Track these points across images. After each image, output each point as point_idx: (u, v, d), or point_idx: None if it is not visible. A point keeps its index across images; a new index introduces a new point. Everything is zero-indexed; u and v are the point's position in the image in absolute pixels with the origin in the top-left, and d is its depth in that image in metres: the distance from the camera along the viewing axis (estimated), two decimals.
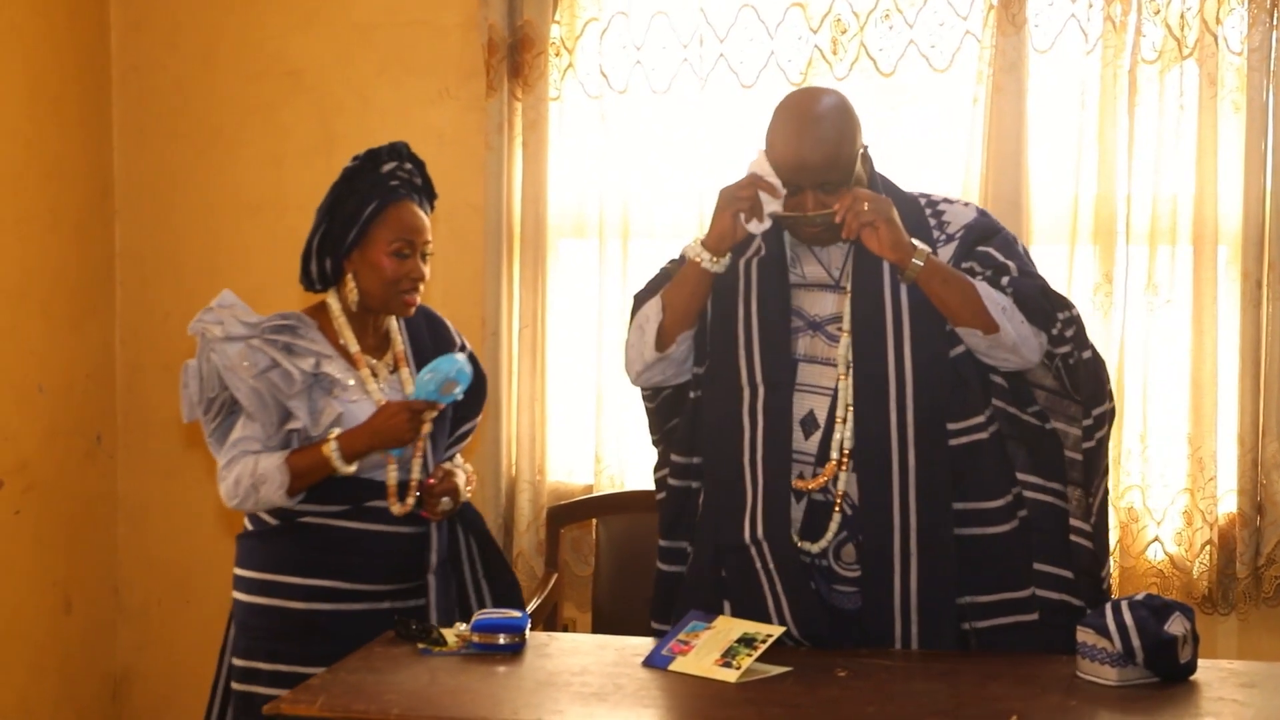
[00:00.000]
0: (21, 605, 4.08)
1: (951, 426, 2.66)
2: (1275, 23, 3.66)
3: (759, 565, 2.66)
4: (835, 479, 2.66)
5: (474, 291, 4.03)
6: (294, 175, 4.26)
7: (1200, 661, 2.44)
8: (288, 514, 2.84)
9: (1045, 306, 2.68)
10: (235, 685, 2.90)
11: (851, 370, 2.66)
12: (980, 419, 2.68)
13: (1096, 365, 2.75)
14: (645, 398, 2.91)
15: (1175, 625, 2.38)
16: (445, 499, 2.85)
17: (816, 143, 2.65)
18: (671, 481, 2.82)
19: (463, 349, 3.03)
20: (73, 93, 4.22)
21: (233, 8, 4.28)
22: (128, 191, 4.36)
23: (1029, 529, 2.69)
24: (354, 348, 2.88)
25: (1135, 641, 2.36)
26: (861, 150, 2.72)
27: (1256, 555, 3.73)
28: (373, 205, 2.84)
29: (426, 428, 2.83)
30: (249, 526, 2.93)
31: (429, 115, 4.14)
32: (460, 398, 2.87)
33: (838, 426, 2.66)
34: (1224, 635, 3.80)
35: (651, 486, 3.33)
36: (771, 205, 2.64)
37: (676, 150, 3.98)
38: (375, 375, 2.89)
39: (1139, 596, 2.44)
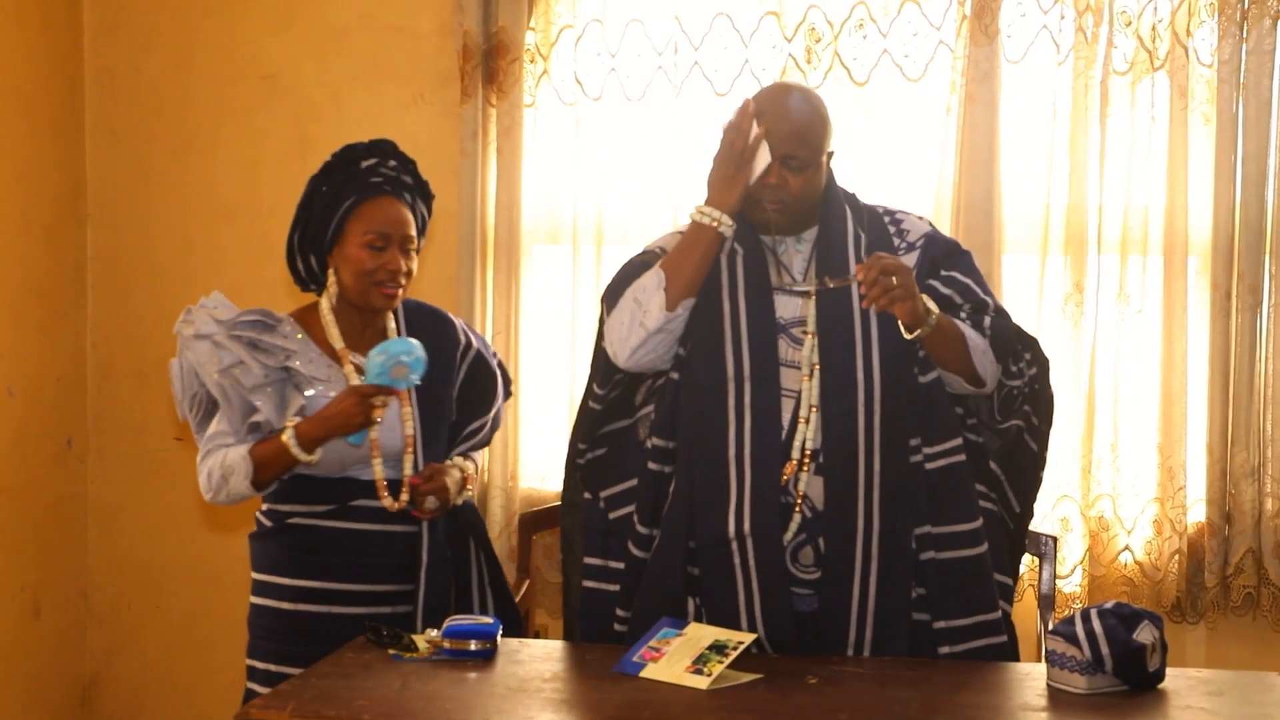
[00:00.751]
0: None
1: (928, 450, 2.69)
2: (1245, 35, 3.69)
3: (738, 561, 2.65)
4: (795, 480, 2.66)
5: (448, 297, 4.02)
6: (269, 179, 4.25)
7: (1169, 670, 2.46)
8: (279, 515, 2.88)
9: (1016, 348, 2.76)
10: (246, 683, 2.95)
11: (817, 372, 2.67)
12: (957, 442, 2.71)
13: (1050, 408, 2.85)
14: (594, 399, 2.86)
15: (1144, 633, 2.39)
16: (430, 498, 2.83)
17: (793, 110, 2.71)
18: (651, 466, 2.77)
19: (468, 350, 3.01)
20: (45, 95, 4.20)
21: (208, 11, 4.27)
22: (100, 194, 4.35)
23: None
24: (338, 344, 2.89)
25: (1104, 650, 2.37)
26: (829, 152, 2.76)
27: (1225, 564, 3.75)
28: (349, 201, 2.86)
29: (379, 413, 2.77)
30: (255, 528, 2.97)
31: (404, 121, 4.14)
32: (416, 382, 2.81)
33: (800, 427, 2.67)
34: (1193, 644, 3.82)
35: None
36: (765, 157, 2.68)
37: (651, 157, 3.98)
38: (361, 373, 2.87)
39: (1108, 605, 2.45)
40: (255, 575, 2.94)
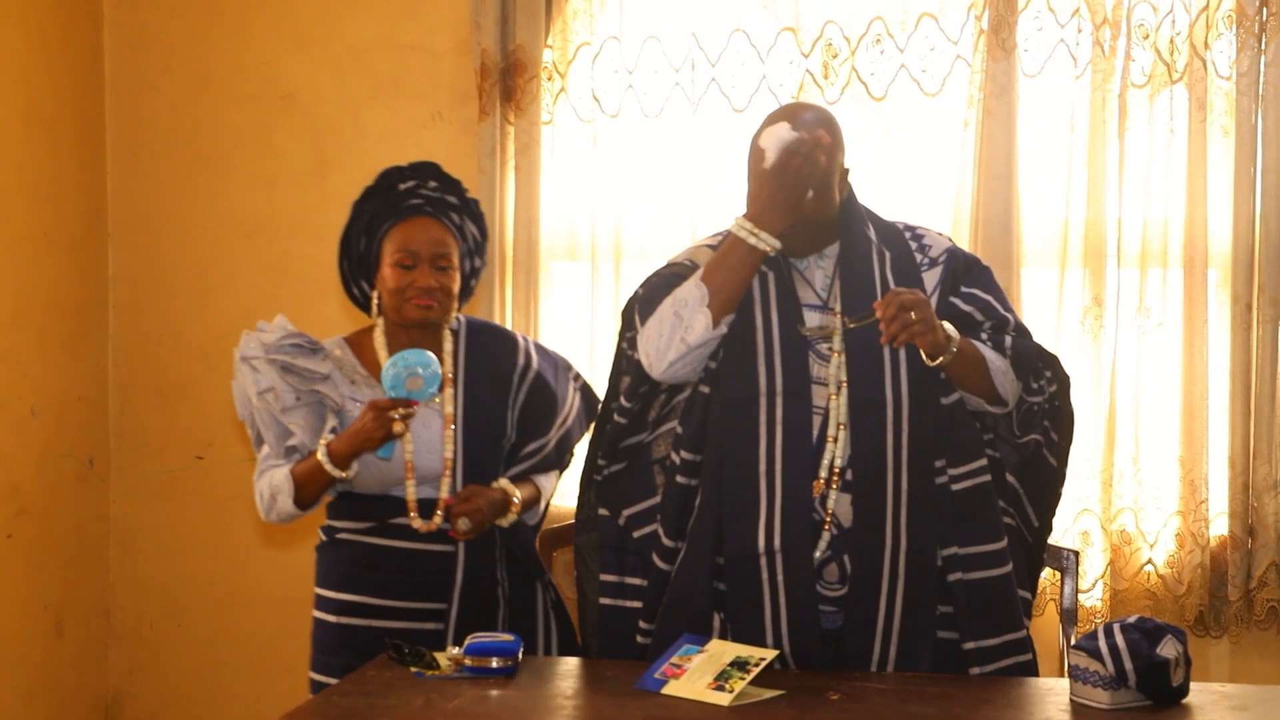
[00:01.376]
0: (13, 629, 4.06)
1: (953, 471, 2.69)
2: (1264, 47, 3.69)
3: (765, 577, 2.65)
4: (824, 498, 2.66)
5: (466, 314, 4.03)
6: (287, 198, 4.27)
7: (1192, 684, 2.45)
8: (331, 530, 2.97)
9: (1037, 366, 2.76)
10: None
11: (845, 390, 2.67)
12: (982, 462, 2.71)
13: (1071, 424, 2.83)
14: (620, 412, 2.85)
15: (1167, 648, 2.38)
16: (463, 520, 2.84)
17: (810, 115, 2.73)
18: (679, 480, 2.77)
19: (527, 370, 2.99)
20: (66, 115, 4.23)
21: (227, 31, 4.30)
22: (121, 214, 4.37)
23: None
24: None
25: (1127, 664, 2.36)
26: (845, 170, 2.76)
27: (1248, 578, 3.74)
28: (386, 224, 2.91)
29: (399, 426, 2.77)
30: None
31: (422, 139, 4.15)
32: (433, 395, 2.82)
33: (828, 446, 2.67)
34: (1216, 658, 3.80)
35: None
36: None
37: (668, 174, 3.99)
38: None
39: (1131, 619, 2.44)
40: (315, 588, 3.01)
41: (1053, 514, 2.88)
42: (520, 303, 4.02)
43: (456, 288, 2.94)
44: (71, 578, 4.28)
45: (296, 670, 4.06)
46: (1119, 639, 2.38)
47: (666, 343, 2.71)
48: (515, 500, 2.92)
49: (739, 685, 2.43)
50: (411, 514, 2.87)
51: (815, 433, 2.68)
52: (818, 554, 2.66)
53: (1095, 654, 2.39)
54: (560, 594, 3.07)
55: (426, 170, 2.96)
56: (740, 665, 2.48)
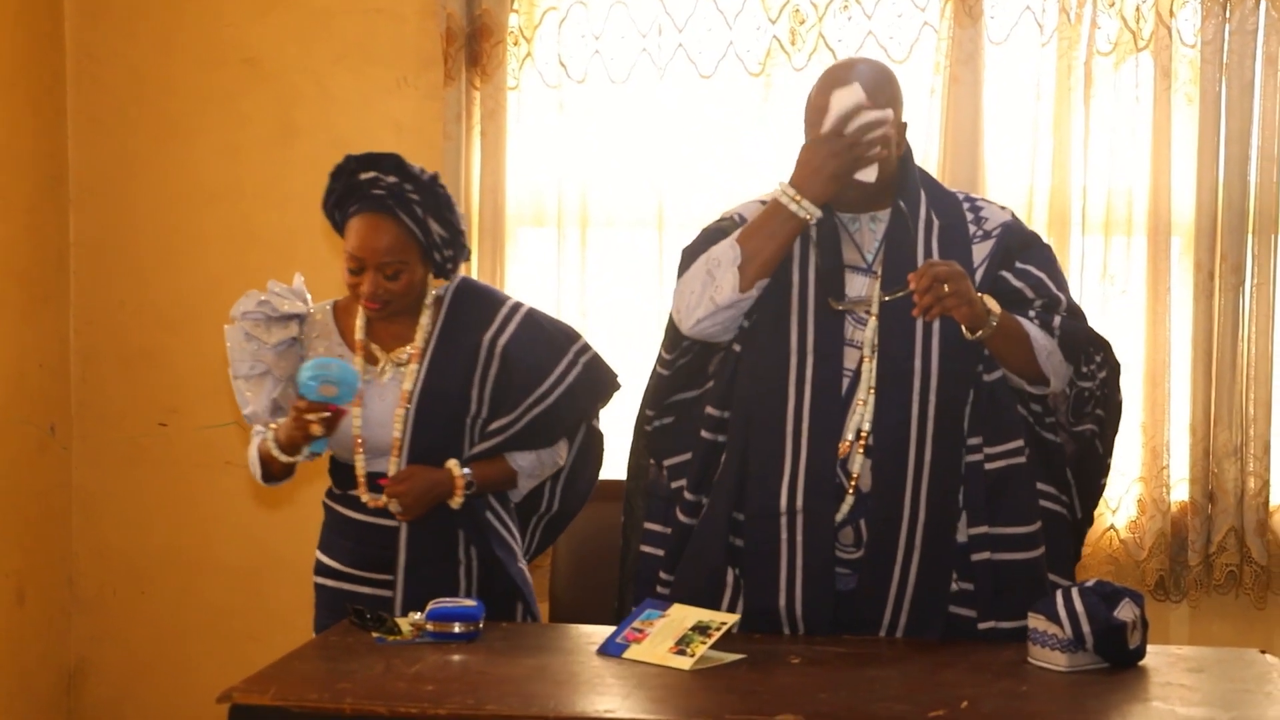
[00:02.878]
0: None
1: (989, 450, 2.66)
2: (1228, 16, 3.70)
3: (785, 536, 2.64)
4: (849, 459, 2.64)
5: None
6: (252, 164, 4.23)
7: (1149, 647, 2.47)
8: (329, 492, 2.97)
9: (1087, 349, 2.70)
10: None
11: (877, 354, 2.64)
12: (1019, 443, 2.67)
13: (1118, 414, 2.79)
14: (662, 364, 2.81)
15: (1125, 611, 2.40)
16: (393, 501, 2.80)
17: (860, 71, 2.65)
18: (705, 435, 2.75)
19: (496, 341, 2.87)
20: (26, 80, 4.18)
21: None
22: (82, 180, 4.33)
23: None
24: (359, 335, 2.89)
25: (1085, 627, 2.38)
26: (903, 125, 2.70)
27: (1208, 543, 3.77)
28: (349, 209, 2.82)
29: (316, 429, 2.71)
30: None
31: (387, 104, 4.13)
32: (350, 401, 2.74)
33: (857, 408, 2.64)
34: (1176, 622, 3.84)
35: (612, 475, 3.33)
36: (872, 172, 2.59)
37: (635, 140, 3.98)
38: (377, 365, 2.87)
39: (1089, 583, 2.46)
40: None
41: (1095, 505, 2.85)
42: (487, 269, 4.01)
43: (412, 286, 2.83)
44: (33, 546, 4.25)
45: (261, 638, 4.08)
46: (1077, 602, 2.39)
47: (696, 300, 2.67)
48: (460, 482, 2.83)
49: (700, 649, 2.43)
50: (361, 490, 2.86)
51: (846, 391, 2.65)
52: (840, 517, 2.64)
53: (1053, 617, 2.40)
54: (530, 593, 2.99)
55: (386, 163, 2.79)
56: (701, 630, 2.48)
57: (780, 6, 3.88)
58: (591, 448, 3.07)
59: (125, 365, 4.34)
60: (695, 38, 3.93)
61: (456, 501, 2.84)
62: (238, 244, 4.24)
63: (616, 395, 3.05)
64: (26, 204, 4.19)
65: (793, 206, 2.61)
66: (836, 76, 2.68)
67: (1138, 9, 3.74)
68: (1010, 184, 3.83)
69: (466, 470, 2.85)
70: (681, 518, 2.77)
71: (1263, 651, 2.54)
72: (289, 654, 2.51)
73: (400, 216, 2.79)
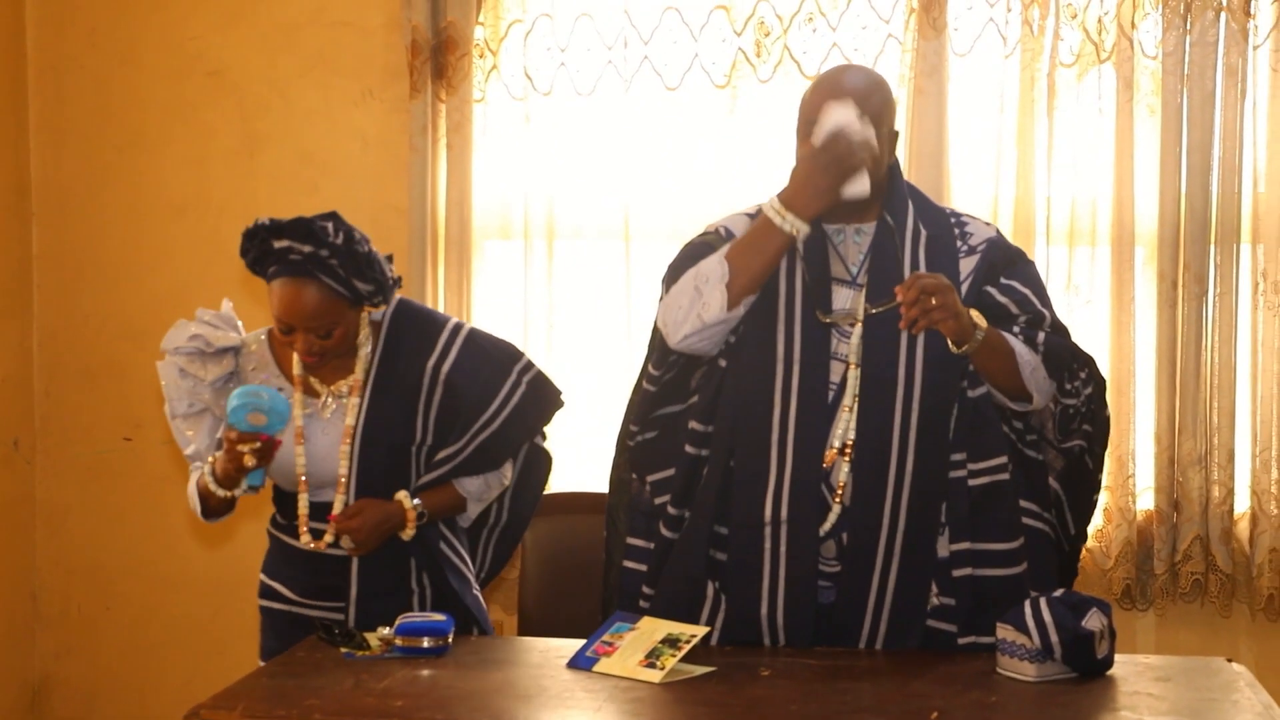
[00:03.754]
0: None
1: (972, 466, 2.66)
2: (1189, 28, 3.73)
3: (768, 546, 2.63)
4: (834, 471, 2.64)
5: (399, 294, 4.00)
6: (217, 176, 4.22)
7: (1117, 656, 2.48)
8: (272, 519, 2.92)
9: (1071, 365, 2.70)
10: None
11: (861, 365, 2.63)
12: (1002, 459, 2.67)
13: (1105, 430, 2.80)
14: (649, 380, 2.80)
15: (1092, 621, 2.41)
16: (346, 538, 2.75)
17: (851, 76, 2.67)
18: (689, 449, 2.74)
19: (439, 367, 2.81)
20: None
21: (154, 6, 4.23)
22: (45, 192, 4.30)
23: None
24: (296, 370, 2.82)
25: (1053, 637, 2.39)
26: (894, 134, 2.71)
27: (1173, 552, 3.80)
28: (268, 270, 2.73)
29: (249, 460, 2.66)
30: None
31: (353, 117, 4.12)
32: (280, 430, 2.68)
33: (842, 416, 2.64)
34: (1143, 631, 3.86)
35: (579, 488, 3.33)
36: (863, 185, 2.57)
37: (601, 152, 3.98)
38: (319, 399, 2.82)
39: (1057, 593, 2.47)
40: None
41: (1089, 520, 2.85)
42: (453, 282, 4.00)
43: (348, 335, 2.76)
44: None
45: (227, 653, 4.05)
46: (1045, 612, 2.40)
47: (684, 315, 2.66)
48: (410, 514, 2.79)
49: (670, 662, 2.43)
50: (302, 530, 2.81)
51: (833, 408, 2.65)
52: (826, 527, 2.64)
53: (1022, 627, 2.41)
54: (484, 614, 2.95)
55: (302, 232, 2.67)
56: (671, 642, 2.48)
57: (745, 19, 3.89)
58: (537, 455, 3.03)
59: (89, 379, 4.31)
60: (661, 50, 3.94)
61: (408, 533, 2.79)
62: (203, 256, 4.21)
63: (560, 411, 3.01)
64: None
65: (780, 222, 2.60)
66: (831, 84, 2.67)
67: (1100, 21, 3.77)
68: (975, 194, 3.86)
69: (417, 501, 2.80)
70: (664, 532, 2.77)
71: (1229, 660, 2.56)
72: (256, 670, 2.50)
73: (323, 279, 2.69)
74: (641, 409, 2.83)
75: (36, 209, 4.30)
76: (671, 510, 2.75)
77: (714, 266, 2.64)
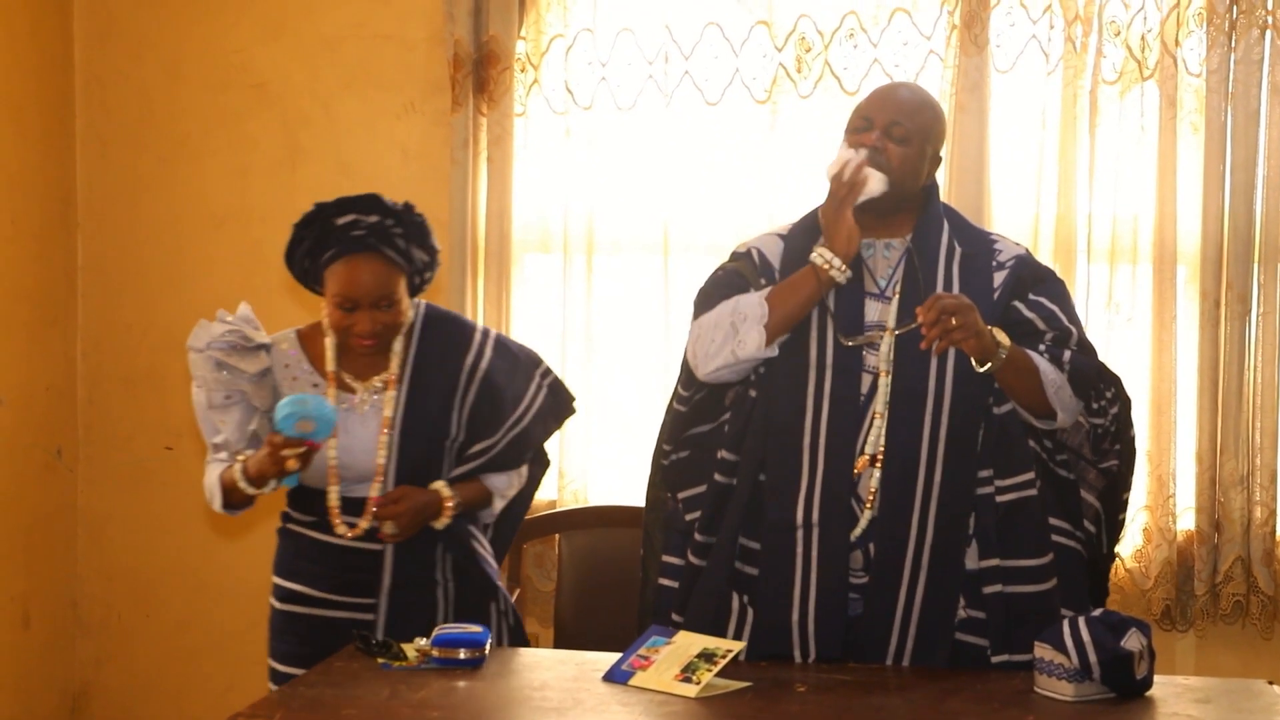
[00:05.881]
0: None
1: (1000, 483, 2.67)
2: (1233, 45, 3.71)
3: (800, 550, 2.64)
4: (868, 478, 2.65)
5: (438, 305, 4.02)
6: (259, 187, 4.25)
7: (1156, 677, 2.46)
8: (286, 517, 2.95)
9: (1097, 384, 2.71)
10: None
11: (891, 375, 2.65)
12: (1029, 475, 2.68)
13: (1131, 451, 2.79)
14: (679, 400, 2.85)
15: (1131, 641, 2.39)
16: (389, 523, 2.79)
17: (900, 90, 2.75)
18: (718, 478, 2.76)
19: (476, 367, 2.90)
20: (35, 102, 4.20)
21: (199, 19, 4.27)
22: (90, 202, 4.34)
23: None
24: (330, 366, 2.88)
25: (1092, 657, 2.37)
26: (937, 158, 2.75)
27: (1214, 573, 3.76)
28: (327, 255, 2.81)
29: (292, 464, 2.72)
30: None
31: (394, 129, 4.14)
32: (327, 437, 2.74)
33: (874, 424, 2.65)
34: (1182, 652, 3.83)
35: (616, 501, 3.33)
36: (876, 184, 2.65)
37: (641, 166, 3.99)
38: (355, 394, 2.87)
39: (1096, 613, 2.45)
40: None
41: (1118, 540, 2.85)
42: (492, 295, 4.01)
43: (405, 313, 2.85)
44: (39, 568, 4.26)
45: (266, 662, 4.06)
46: (1084, 632, 2.39)
47: (717, 349, 2.70)
48: (448, 503, 2.84)
49: (706, 677, 2.43)
50: (335, 519, 2.85)
51: (865, 416, 2.66)
52: (858, 532, 2.64)
53: (1060, 647, 2.40)
54: (510, 602, 2.98)
55: (366, 204, 2.80)
56: (707, 657, 2.48)
57: (786, 34, 3.90)
58: (532, 480, 3.08)
59: (132, 388, 4.35)
60: (702, 65, 3.95)
61: (443, 522, 2.84)
62: (244, 267, 4.25)
63: (571, 418, 3.10)
64: (35, 227, 4.21)
65: (826, 270, 2.65)
66: (881, 96, 2.75)
67: (1143, 38, 3.75)
68: (1016, 212, 3.84)
69: (451, 491, 2.87)
70: (692, 559, 2.78)
71: (1270, 682, 2.53)
72: (294, 679, 2.51)
73: (386, 252, 2.80)
74: (674, 429, 2.87)
75: (82, 219, 4.35)
76: (699, 537, 2.77)
77: (754, 306, 2.69)
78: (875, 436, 2.65)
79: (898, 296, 2.69)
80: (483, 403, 2.91)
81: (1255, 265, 3.73)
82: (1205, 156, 3.72)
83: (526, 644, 3.00)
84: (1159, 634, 3.63)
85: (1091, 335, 3.73)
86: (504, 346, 2.98)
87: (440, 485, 2.86)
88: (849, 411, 2.66)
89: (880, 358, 2.66)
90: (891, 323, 2.67)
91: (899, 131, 2.68)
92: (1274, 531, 3.75)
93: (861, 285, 2.71)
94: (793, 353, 2.69)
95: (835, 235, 2.66)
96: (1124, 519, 2.83)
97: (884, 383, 2.65)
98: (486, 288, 4.02)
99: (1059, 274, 3.69)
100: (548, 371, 3.02)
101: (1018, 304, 2.70)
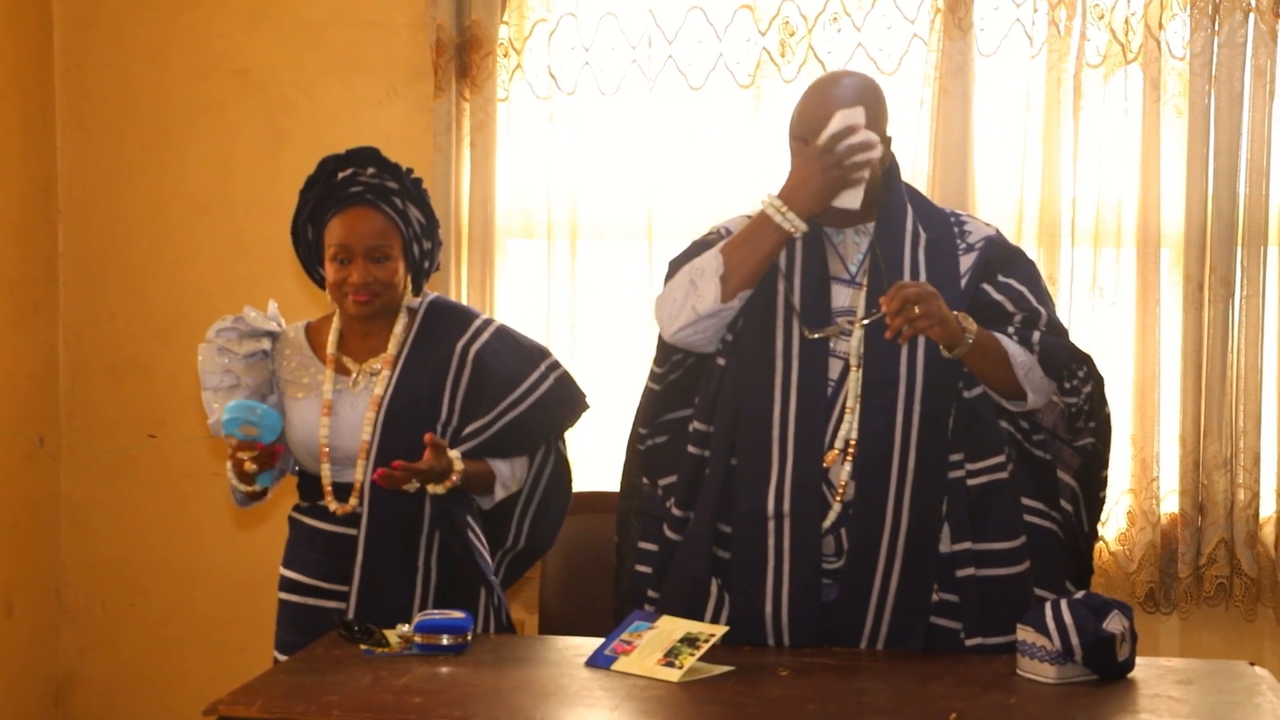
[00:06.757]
0: None
1: (971, 466, 2.67)
2: (1217, 29, 3.71)
3: (772, 541, 2.64)
4: (839, 468, 2.65)
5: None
6: (242, 174, 4.23)
7: (1138, 659, 2.46)
8: (296, 507, 2.98)
9: (1069, 364, 2.70)
10: None
11: (863, 364, 2.65)
12: (1000, 458, 2.68)
13: (1107, 428, 2.78)
14: (654, 379, 2.83)
15: (1113, 623, 2.40)
16: (412, 481, 2.76)
17: (845, 82, 2.69)
18: (691, 450, 2.76)
19: (468, 349, 2.88)
20: (14, 90, 4.17)
21: (180, 5, 4.25)
22: (71, 190, 4.32)
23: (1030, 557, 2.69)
24: (330, 349, 2.92)
25: (1074, 640, 2.38)
26: (888, 139, 2.72)
27: (1198, 555, 3.77)
28: (327, 214, 2.86)
29: (249, 466, 2.77)
30: None
31: (377, 116, 4.13)
32: (274, 439, 2.78)
33: (846, 416, 2.65)
34: (1166, 635, 3.84)
35: (599, 488, 3.32)
36: (855, 198, 2.61)
37: (625, 151, 3.98)
38: (349, 376, 2.89)
39: (1078, 595, 2.46)
40: None
41: (1099, 518, 2.84)
42: (476, 280, 4.00)
43: (399, 276, 2.86)
44: (21, 557, 4.24)
45: (251, 650, 4.06)
46: (1066, 614, 2.39)
47: (679, 308, 2.69)
48: (456, 469, 2.81)
49: (689, 661, 2.43)
50: (328, 497, 2.87)
51: (834, 406, 2.66)
52: (827, 524, 2.64)
53: (1042, 629, 2.40)
54: (503, 599, 2.96)
55: (365, 156, 2.87)
56: (690, 641, 2.48)
57: (770, 18, 3.89)
58: (560, 479, 3.05)
59: (114, 376, 4.33)
60: (685, 50, 3.94)
61: (447, 486, 2.80)
62: (228, 254, 4.23)
63: (584, 416, 3.03)
64: (15, 215, 4.19)
65: (778, 219, 2.63)
66: (825, 89, 2.70)
67: (1127, 21, 3.75)
68: (1000, 195, 3.84)
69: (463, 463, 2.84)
70: (669, 534, 2.78)
71: (1252, 664, 2.54)
72: (276, 666, 2.51)
73: (382, 208, 2.85)
74: (649, 411, 2.85)
75: (63, 206, 4.33)
76: (676, 511, 2.76)
77: (710, 260, 2.67)
78: (846, 429, 2.64)
79: (866, 286, 2.68)
80: (476, 384, 2.89)
81: (1238, 249, 3.74)
82: (1189, 140, 3.73)
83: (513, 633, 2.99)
84: (1143, 617, 3.64)
85: (1075, 319, 3.77)
86: (506, 333, 2.96)
87: (455, 454, 2.83)
88: (817, 403, 2.65)
89: (851, 350, 2.66)
90: (861, 311, 2.66)
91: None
92: (1257, 514, 3.76)
93: (827, 274, 2.69)
94: (761, 343, 2.68)
95: (803, 191, 2.61)
96: (1104, 497, 2.83)
97: (855, 375, 2.64)
98: (470, 273, 4.01)
99: (1042, 258, 3.77)
100: (557, 365, 2.97)
101: (986, 286, 2.69)
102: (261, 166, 4.21)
